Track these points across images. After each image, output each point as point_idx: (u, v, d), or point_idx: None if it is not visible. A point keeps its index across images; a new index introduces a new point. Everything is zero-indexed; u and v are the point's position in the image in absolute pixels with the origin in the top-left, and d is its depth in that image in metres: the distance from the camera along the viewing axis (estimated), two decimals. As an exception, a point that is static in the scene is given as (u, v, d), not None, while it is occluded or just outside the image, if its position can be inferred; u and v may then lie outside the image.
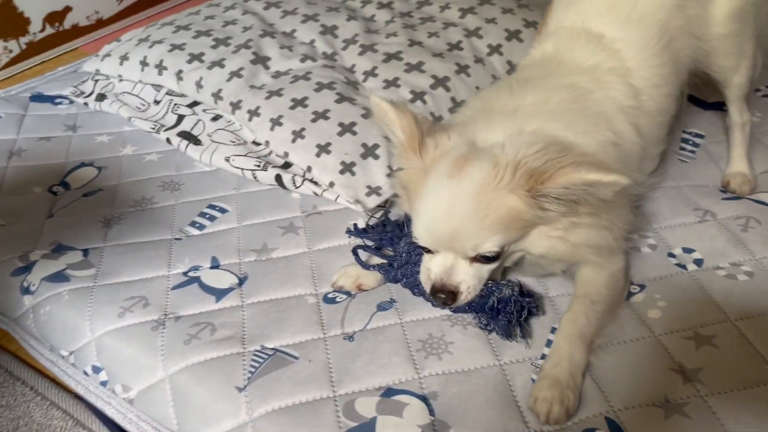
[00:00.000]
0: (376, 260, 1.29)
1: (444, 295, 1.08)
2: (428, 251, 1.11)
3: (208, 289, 1.31)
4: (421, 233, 1.08)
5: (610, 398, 1.04)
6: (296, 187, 1.53)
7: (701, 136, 1.63)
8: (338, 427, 1.03)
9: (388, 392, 1.08)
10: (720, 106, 1.68)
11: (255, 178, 1.57)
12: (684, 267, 1.26)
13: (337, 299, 1.27)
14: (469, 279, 1.08)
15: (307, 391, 1.09)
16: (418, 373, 1.11)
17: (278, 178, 1.54)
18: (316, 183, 1.52)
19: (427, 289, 1.11)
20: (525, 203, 1.01)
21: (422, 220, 1.07)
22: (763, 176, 1.47)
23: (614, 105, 1.23)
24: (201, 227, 1.48)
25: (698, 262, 1.27)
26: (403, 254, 1.23)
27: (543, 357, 1.12)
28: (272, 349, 1.17)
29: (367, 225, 1.40)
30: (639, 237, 1.33)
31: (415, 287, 1.22)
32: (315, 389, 1.09)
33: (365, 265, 1.27)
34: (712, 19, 1.34)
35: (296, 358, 1.15)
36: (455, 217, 1.02)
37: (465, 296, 1.08)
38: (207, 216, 1.51)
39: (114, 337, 1.23)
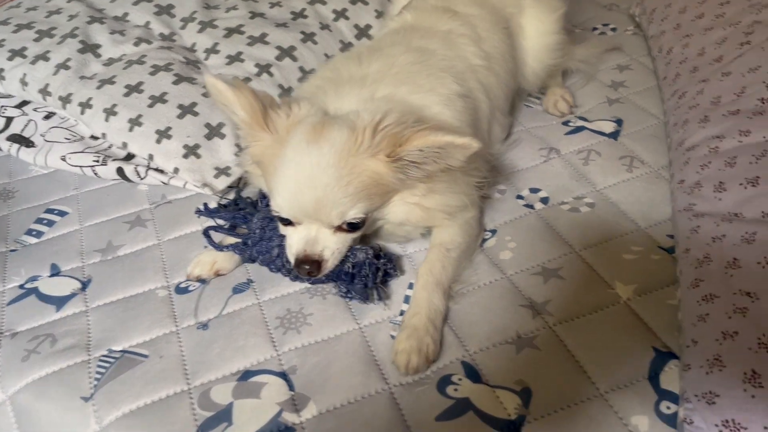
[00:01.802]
0: (230, 240, 1.23)
1: (308, 266, 1.05)
2: (288, 224, 1.07)
3: (46, 298, 1.21)
4: (282, 205, 1.05)
5: (466, 342, 1.04)
6: (141, 179, 1.44)
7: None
8: (194, 420, 0.98)
9: (246, 375, 1.03)
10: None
11: (96, 174, 1.47)
12: (532, 207, 1.28)
13: (190, 288, 1.20)
14: (332, 245, 1.06)
15: (160, 389, 1.03)
16: (277, 351, 1.07)
17: (120, 171, 1.44)
18: (161, 171, 1.43)
19: (292, 261, 1.07)
20: (386, 167, 1.00)
21: (283, 191, 1.04)
22: (602, 107, 1.52)
23: (464, 63, 1.28)
24: (39, 234, 1.36)
25: (544, 200, 1.29)
26: (257, 231, 1.18)
27: (402, 314, 1.10)
28: (120, 351, 1.10)
29: (219, 204, 1.33)
30: (489, 185, 1.34)
31: (272, 263, 1.17)
32: (168, 385, 1.03)
33: (218, 247, 1.21)
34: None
35: (146, 356, 1.08)
36: (319, 185, 1.00)
37: (330, 263, 1.07)
38: (45, 222, 1.39)
39: (-55, 365, 1.11)
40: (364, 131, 1.00)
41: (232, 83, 1.06)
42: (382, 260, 1.14)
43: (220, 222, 1.28)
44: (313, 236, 1.05)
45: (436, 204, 1.10)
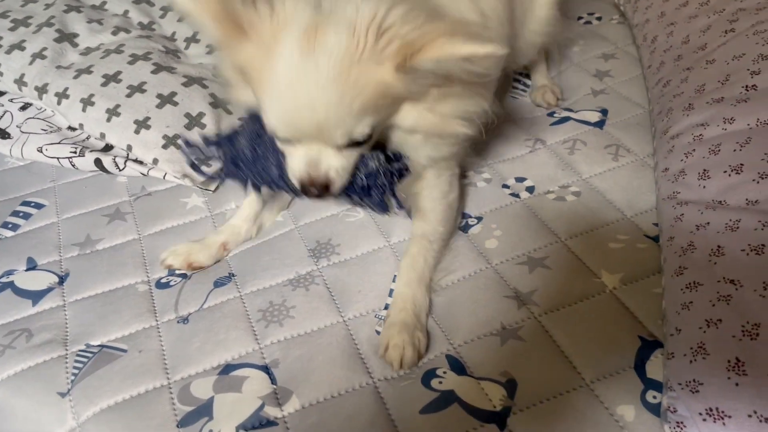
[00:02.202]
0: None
1: (316, 189, 0.96)
2: (286, 141, 0.96)
3: (22, 293, 1.18)
4: (278, 126, 0.93)
5: (450, 335, 1.03)
6: (120, 170, 1.41)
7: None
8: (174, 415, 0.96)
9: (227, 369, 1.02)
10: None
11: (73, 165, 1.44)
12: (517, 196, 1.27)
13: (171, 283, 1.18)
14: (338, 164, 0.95)
15: (139, 384, 1.01)
16: (259, 344, 1.05)
17: (98, 162, 1.41)
18: (140, 162, 1.40)
19: (296, 185, 0.98)
20: (395, 78, 0.87)
21: (278, 111, 0.91)
22: (587, 97, 1.51)
23: None
24: (15, 227, 1.33)
25: (530, 190, 1.28)
26: (247, 150, 1.04)
27: (386, 308, 1.09)
28: (98, 345, 1.07)
29: (204, 138, 1.14)
30: (475, 173, 1.33)
31: (272, 184, 1.05)
32: (147, 380, 1.01)
33: (200, 172, 1.14)
34: None
35: (125, 351, 1.06)
36: (318, 106, 0.87)
37: (338, 184, 0.96)
38: (21, 214, 1.36)
39: None
40: (367, 33, 0.85)
41: None
42: (395, 163, 1.03)
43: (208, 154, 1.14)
44: (315, 156, 0.94)
45: (452, 109, 0.97)
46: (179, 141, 1.21)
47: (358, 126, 0.90)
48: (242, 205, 1.26)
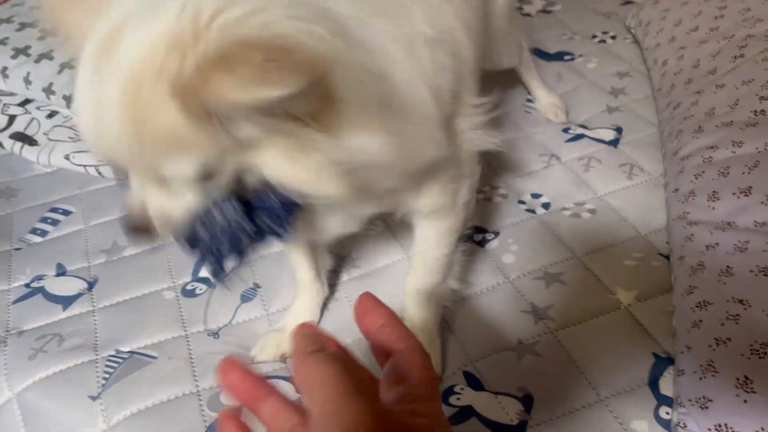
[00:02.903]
0: None
1: (135, 231, 0.73)
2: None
3: (53, 298, 1.22)
4: (92, 148, 0.71)
5: (468, 350, 1.06)
6: (145, 179, 1.44)
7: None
8: (203, 421, 1.00)
9: (254, 378, 1.05)
10: (562, 56, 1.76)
11: (100, 173, 1.48)
12: (533, 211, 1.31)
13: (197, 291, 1.22)
14: (159, 205, 0.70)
15: (168, 390, 1.04)
16: (286, 362, 1.08)
17: (124, 171, 1.45)
18: (165, 172, 1.44)
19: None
20: (180, 122, 0.61)
21: (85, 134, 0.69)
22: (602, 114, 1.54)
23: None
24: (43, 233, 1.37)
25: (546, 206, 1.32)
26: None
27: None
28: (128, 352, 1.11)
29: None
30: (491, 189, 1.36)
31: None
32: (176, 386, 1.05)
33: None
34: None
35: (154, 357, 1.10)
36: (108, 134, 0.65)
37: (158, 227, 0.71)
38: (49, 221, 1.40)
39: (-50, 362, 1.12)
40: (173, 44, 0.60)
41: None
42: (263, 217, 0.72)
43: None
44: (138, 190, 0.71)
45: (337, 154, 0.66)
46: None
47: (167, 163, 0.65)
48: (298, 282, 1.14)
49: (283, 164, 0.65)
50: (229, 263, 0.74)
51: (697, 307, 1.01)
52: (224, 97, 0.56)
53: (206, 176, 0.67)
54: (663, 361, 1.00)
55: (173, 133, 0.62)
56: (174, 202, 0.70)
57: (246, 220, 0.71)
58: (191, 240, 0.72)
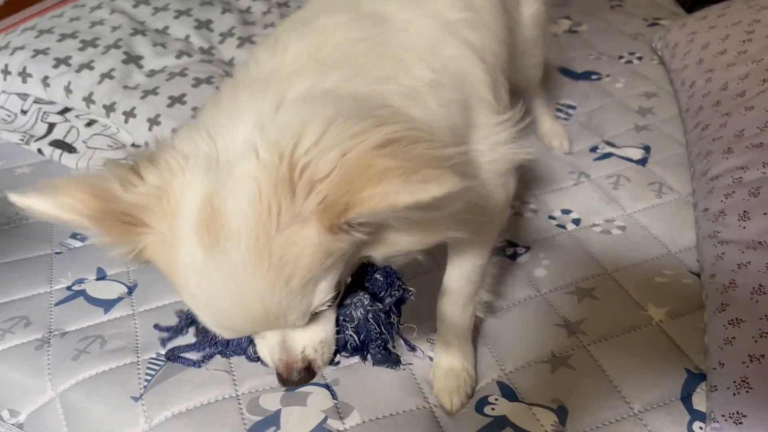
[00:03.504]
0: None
1: (298, 374, 0.77)
2: None
3: (94, 301, 1.25)
4: (216, 329, 0.75)
5: (502, 362, 1.08)
6: (182, 187, 1.48)
7: (573, 107, 1.71)
8: (243, 424, 1.02)
9: (291, 383, 1.07)
10: (589, 76, 1.79)
11: (138, 181, 1.51)
12: (564, 227, 1.33)
13: (233, 296, 1.24)
14: (312, 340, 0.76)
15: (208, 393, 1.07)
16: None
17: (162, 179, 1.48)
18: (202, 181, 1.48)
19: (277, 376, 0.80)
20: (328, 238, 0.66)
21: (206, 315, 0.72)
22: (629, 132, 1.57)
23: (436, 26, 0.88)
24: (83, 238, 1.40)
25: (576, 222, 1.34)
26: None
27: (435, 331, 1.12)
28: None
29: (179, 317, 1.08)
30: (521, 204, 1.39)
31: (253, 360, 0.89)
32: (216, 390, 1.07)
33: (196, 363, 1.06)
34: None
35: (194, 361, 1.12)
36: (250, 304, 0.68)
37: (321, 358, 0.77)
38: (89, 226, 1.43)
39: (-5, 361, 1.15)
40: (276, 188, 0.64)
41: (43, 189, 0.69)
42: (387, 297, 0.80)
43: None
44: (281, 340, 0.76)
45: (436, 222, 0.73)
46: (155, 328, 1.11)
47: (313, 299, 0.70)
48: None
49: (402, 238, 0.73)
50: (389, 344, 0.80)
51: (730, 324, 1.03)
52: (378, 206, 0.62)
53: (338, 288, 0.73)
54: (695, 377, 1.01)
55: (322, 249, 0.66)
56: (318, 331, 0.76)
57: (374, 301, 0.79)
58: (345, 348, 0.79)
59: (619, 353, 1.06)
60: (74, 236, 1.41)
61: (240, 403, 1.05)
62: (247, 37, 1.76)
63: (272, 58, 0.81)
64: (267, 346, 0.77)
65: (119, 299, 1.25)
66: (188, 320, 0.99)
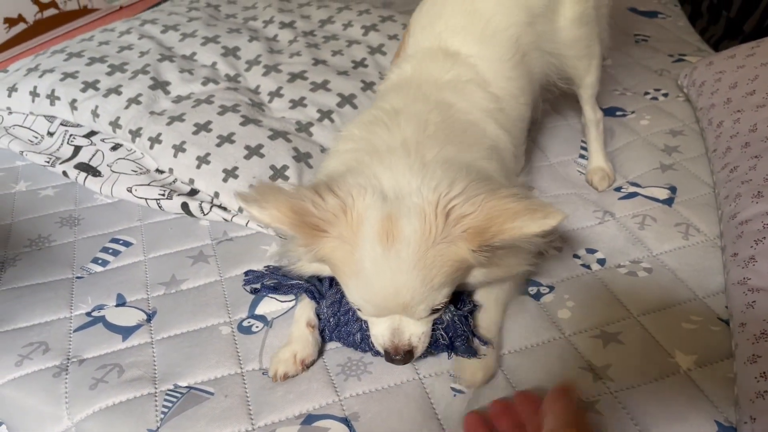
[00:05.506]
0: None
1: (401, 356, 1.04)
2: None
3: (113, 327, 1.25)
4: (365, 307, 1.03)
5: (527, 403, 1.06)
6: (204, 214, 1.49)
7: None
8: (258, 460, 1.01)
9: (309, 419, 1.06)
10: (614, 112, 1.78)
11: (160, 207, 1.52)
12: (588, 267, 1.31)
13: (254, 328, 1.24)
14: (419, 331, 1.04)
15: (225, 426, 1.05)
16: (339, 396, 1.09)
17: (185, 206, 1.49)
18: (224, 209, 1.48)
19: (381, 352, 1.07)
20: (470, 256, 0.97)
21: (366, 296, 1.01)
22: (655, 172, 1.55)
23: (480, 110, 1.23)
24: (104, 263, 1.41)
25: (601, 262, 1.32)
26: (330, 318, 1.15)
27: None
28: (186, 387, 1.13)
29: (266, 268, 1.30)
30: (545, 242, 1.37)
31: (357, 347, 1.15)
32: (233, 423, 1.06)
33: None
34: (560, 29, 1.40)
35: (211, 394, 1.11)
36: (404, 290, 0.97)
37: (420, 348, 1.05)
38: (110, 251, 1.44)
39: (13, 387, 1.15)
40: (436, 216, 0.95)
41: (257, 199, 0.97)
42: (465, 306, 1.13)
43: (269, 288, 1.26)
44: (397, 326, 1.03)
45: (517, 259, 1.09)
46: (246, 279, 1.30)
47: (438, 298, 1.00)
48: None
49: (491, 270, 1.06)
50: (470, 340, 1.11)
51: (762, 376, 1.00)
52: (515, 233, 0.94)
53: (450, 297, 1.04)
54: (726, 430, 0.98)
55: (460, 263, 0.98)
56: (421, 325, 1.04)
57: (455, 312, 1.10)
58: (437, 343, 1.09)
59: (647, 401, 1.03)
60: (95, 261, 1.41)
61: (257, 439, 1.04)
62: (273, 66, 1.77)
63: (391, 134, 1.12)
64: (383, 330, 1.04)
65: (138, 326, 1.25)
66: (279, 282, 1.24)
